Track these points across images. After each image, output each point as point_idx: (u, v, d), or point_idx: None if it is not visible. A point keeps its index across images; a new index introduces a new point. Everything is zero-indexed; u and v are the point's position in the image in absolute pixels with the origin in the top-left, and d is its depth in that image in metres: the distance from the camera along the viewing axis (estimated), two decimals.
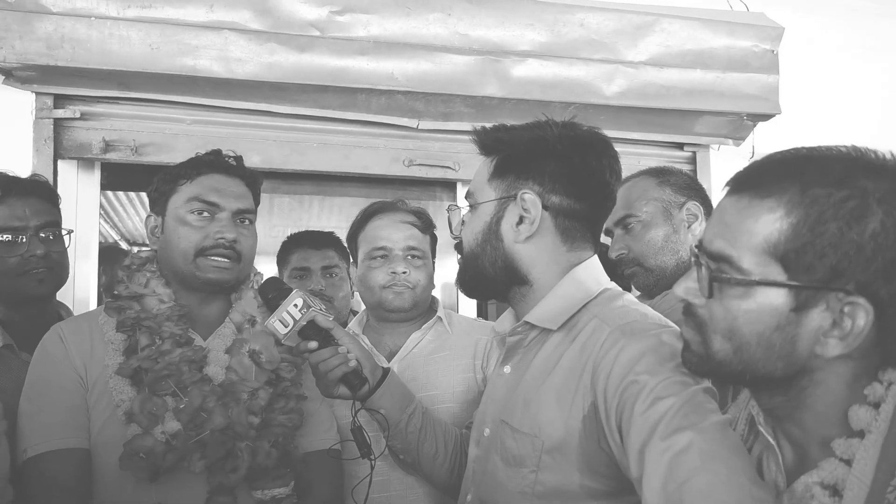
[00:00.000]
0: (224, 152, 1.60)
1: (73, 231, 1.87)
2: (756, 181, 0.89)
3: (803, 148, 0.90)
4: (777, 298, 0.84)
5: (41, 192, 1.78)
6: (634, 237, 1.71)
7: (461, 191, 2.85)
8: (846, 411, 0.86)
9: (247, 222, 1.55)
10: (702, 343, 0.92)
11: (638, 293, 1.75)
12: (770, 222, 0.85)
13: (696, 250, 0.95)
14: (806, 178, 0.84)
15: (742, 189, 0.90)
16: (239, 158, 1.60)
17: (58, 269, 1.76)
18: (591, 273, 1.25)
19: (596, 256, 1.28)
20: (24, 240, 1.70)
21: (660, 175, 1.76)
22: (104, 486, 1.38)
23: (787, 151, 0.90)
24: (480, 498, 1.26)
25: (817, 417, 0.90)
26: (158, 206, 1.54)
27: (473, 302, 2.84)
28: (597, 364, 1.10)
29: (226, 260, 1.48)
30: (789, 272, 0.84)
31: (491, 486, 1.22)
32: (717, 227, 0.91)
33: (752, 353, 0.87)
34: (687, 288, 0.93)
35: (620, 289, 1.27)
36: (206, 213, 1.49)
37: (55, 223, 1.78)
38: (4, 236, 1.69)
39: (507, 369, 1.29)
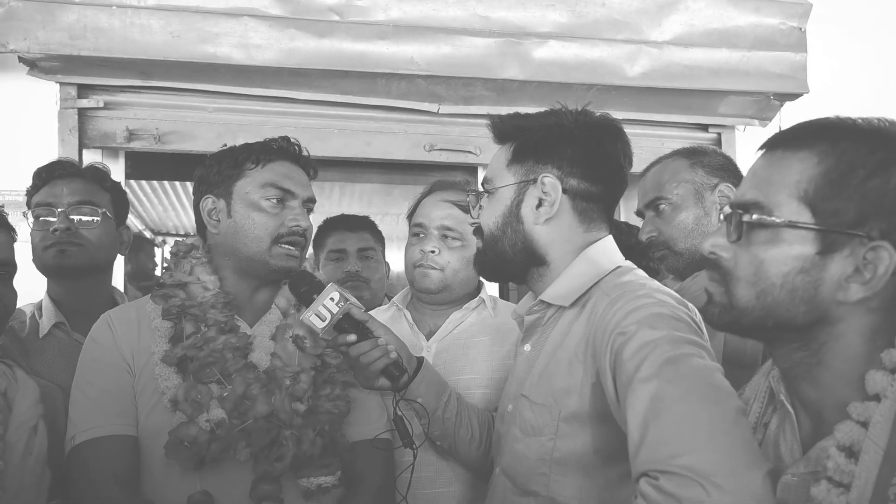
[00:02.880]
0: (291, 139, 1.58)
1: (106, 211, 1.88)
2: (788, 139, 0.95)
3: (831, 116, 0.96)
4: (803, 242, 0.89)
5: (88, 175, 1.84)
6: (665, 220, 1.68)
7: (482, 175, 2.82)
8: (863, 375, 0.88)
9: (309, 211, 1.56)
10: (725, 292, 0.95)
11: (669, 276, 1.73)
12: (801, 170, 0.90)
13: (728, 210, 1.00)
14: (836, 134, 0.92)
15: (774, 146, 0.96)
16: (301, 147, 1.59)
17: (88, 247, 1.79)
18: (605, 252, 1.29)
19: (610, 237, 1.32)
20: (54, 217, 1.77)
21: (693, 156, 1.72)
22: (151, 473, 1.39)
23: (816, 119, 0.96)
24: (504, 470, 1.31)
25: (835, 376, 0.92)
26: (220, 188, 1.51)
27: (495, 287, 2.84)
28: (595, 332, 1.15)
29: (294, 248, 1.48)
30: (817, 217, 0.88)
31: (513, 457, 1.28)
32: (749, 181, 0.96)
33: (775, 296, 0.90)
34: (714, 242, 0.96)
35: (634, 266, 1.30)
36: (279, 201, 1.49)
37: (92, 203, 1.81)
38: (38, 213, 1.78)
39: (527, 348, 1.34)
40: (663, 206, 1.69)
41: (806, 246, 0.88)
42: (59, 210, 1.77)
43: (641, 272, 1.28)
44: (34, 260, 1.80)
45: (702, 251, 0.98)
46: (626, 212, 2.85)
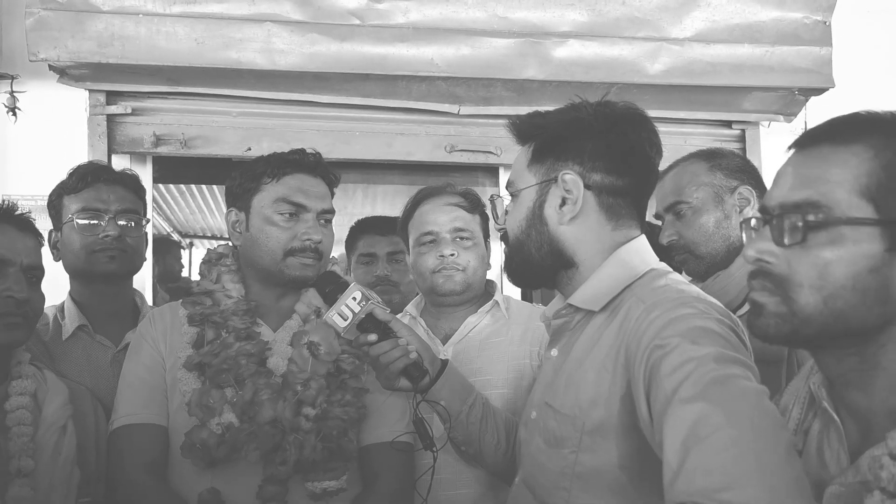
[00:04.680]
0: (307, 151, 1.60)
1: (150, 220, 1.95)
2: (832, 133, 0.90)
3: (863, 111, 0.92)
4: (870, 239, 0.84)
5: (128, 182, 1.88)
6: (685, 223, 1.67)
7: (503, 176, 2.83)
8: None
9: (327, 222, 1.58)
10: (783, 301, 0.89)
11: (689, 279, 1.71)
12: (857, 164, 0.86)
13: (759, 214, 0.95)
14: (886, 126, 0.88)
15: (817, 142, 0.91)
16: (319, 157, 1.61)
17: (131, 253, 1.83)
18: (637, 253, 1.22)
19: (643, 236, 1.25)
20: (104, 222, 1.79)
21: (711, 158, 1.71)
22: (174, 466, 1.47)
23: (851, 113, 0.92)
24: (525, 479, 1.26)
25: (889, 380, 0.87)
26: (241, 202, 1.57)
27: (517, 290, 2.83)
28: (629, 341, 1.08)
29: (310, 259, 1.52)
30: (881, 212, 0.84)
31: (534, 467, 1.23)
32: (794, 180, 0.90)
33: (846, 299, 0.85)
34: (760, 248, 0.91)
35: (669, 268, 1.24)
36: (291, 215, 1.52)
37: (135, 211, 1.86)
38: (86, 217, 1.78)
39: (553, 353, 1.29)
40: (683, 209, 1.68)
41: (873, 243, 0.84)
42: (109, 216, 1.79)
43: (677, 275, 1.20)
44: (71, 262, 1.80)
45: (746, 259, 0.93)
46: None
